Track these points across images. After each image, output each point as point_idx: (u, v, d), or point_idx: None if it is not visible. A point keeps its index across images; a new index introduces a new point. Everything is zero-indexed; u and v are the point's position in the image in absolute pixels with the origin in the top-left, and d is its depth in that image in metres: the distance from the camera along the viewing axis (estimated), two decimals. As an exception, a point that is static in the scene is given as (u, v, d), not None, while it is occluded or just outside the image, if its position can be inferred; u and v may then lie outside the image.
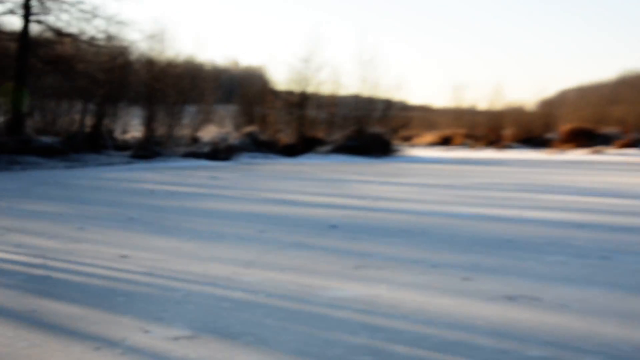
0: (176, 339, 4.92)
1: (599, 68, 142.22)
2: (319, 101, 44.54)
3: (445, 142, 65.12)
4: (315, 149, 39.89)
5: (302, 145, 39.69)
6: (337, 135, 41.32)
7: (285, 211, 12.81)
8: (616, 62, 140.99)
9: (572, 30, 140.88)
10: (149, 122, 34.40)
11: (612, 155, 44.93)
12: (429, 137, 67.75)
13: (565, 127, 56.27)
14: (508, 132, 61.87)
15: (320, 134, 42.36)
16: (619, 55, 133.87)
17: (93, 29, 29.65)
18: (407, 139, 61.30)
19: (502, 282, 6.72)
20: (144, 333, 5.05)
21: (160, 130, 34.62)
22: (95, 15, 28.97)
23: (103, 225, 10.65)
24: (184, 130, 36.33)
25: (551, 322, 5.32)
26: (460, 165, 31.71)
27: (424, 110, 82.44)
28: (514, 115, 66.81)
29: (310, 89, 42.87)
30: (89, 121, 32.43)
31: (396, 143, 43.93)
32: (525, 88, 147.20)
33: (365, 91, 45.12)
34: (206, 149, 33.93)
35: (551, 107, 70.93)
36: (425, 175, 24.46)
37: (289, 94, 43.22)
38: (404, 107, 55.44)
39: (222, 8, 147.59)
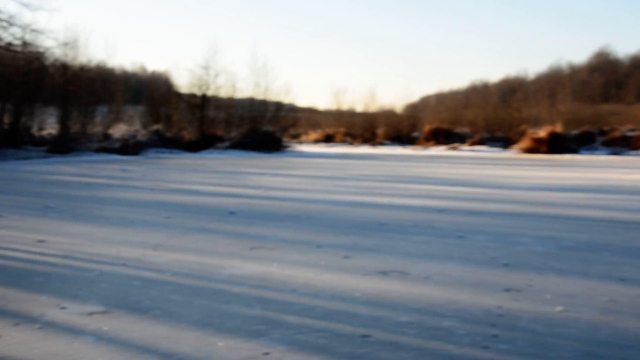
0: (90, 314, 4.80)
1: (454, 77, 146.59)
2: (218, 103, 44.21)
3: (328, 139, 65.55)
4: (215, 145, 39.55)
5: (204, 142, 39.27)
6: (234, 133, 41.11)
7: (189, 200, 12.64)
8: (467, 73, 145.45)
9: (432, 43, 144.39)
10: (64, 121, 33.21)
11: (465, 151, 46.37)
12: (314, 135, 68.02)
13: (427, 127, 57.61)
14: (381, 131, 62.82)
15: (219, 131, 42.10)
16: (470, 67, 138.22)
17: (10, 36, 28.34)
18: (295, 137, 61.41)
19: (376, 259, 6.84)
20: (60, 309, 4.90)
21: (75, 127, 33.47)
22: (11, 24, 27.67)
23: (21, 214, 10.24)
24: (96, 128, 35.28)
25: (417, 292, 5.45)
26: (341, 160, 32.03)
27: (310, 111, 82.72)
28: (386, 116, 67.91)
29: (210, 92, 42.47)
30: (7, 119, 31.04)
31: (286, 140, 44.07)
32: (395, 93, 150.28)
33: (259, 95, 45.11)
34: (117, 145, 33.10)
35: (416, 110, 72.64)
36: (311, 168, 24.60)
37: (191, 96, 42.66)
38: (292, 109, 55.53)
39: (130, 18, 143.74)
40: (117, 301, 5.15)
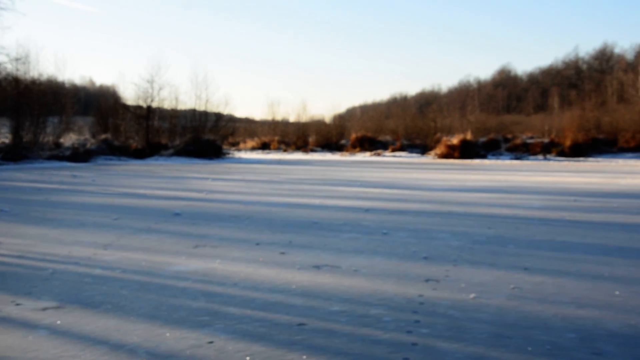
0: (44, 309, 4.64)
1: (377, 91, 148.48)
2: (162, 114, 43.71)
3: (264, 146, 65.37)
4: (160, 152, 38.98)
5: (149, 150, 38.65)
6: (178, 142, 40.60)
7: (136, 202, 12.39)
8: (388, 87, 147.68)
9: (357, 59, 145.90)
10: (16, 131, 32.11)
11: (388, 156, 46.93)
12: (252, 143, 67.75)
13: (353, 135, 58.10)
14: (312, 139, 63.00)
15: (164, 140, 41.60)
16: (391, 81, 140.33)
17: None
18: (234, 145, 61.06)
19: (310, 255, 6.84)
20: (15, 306, 4.73)
21: (27, 137, 32.41)
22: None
23: (-22, 218, 9.83)
24: (47, 138, 34.27)
25: (347, 284, 5.48)
26: (276, 165, 31.96)
27: (247, 121, 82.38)
28: (316, 126, 68.21)
29: (155, 103, 41.92)
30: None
31: (225, 148, 43.80)
32: (324, 105, 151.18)
33: (200, 106, 44.81)
34: (67, 153, 32.27)
35: (343, 120, 73.17)
36: (249, 173, 24.46)
37: (137, 107, 42.00)
38: (231, 119, 55.13)
39: (79, 34, 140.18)
40: (69, 297, 5.00)
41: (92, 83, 79.63)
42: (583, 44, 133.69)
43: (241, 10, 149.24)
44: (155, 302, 4.87)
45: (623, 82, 73.14)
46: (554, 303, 4.86)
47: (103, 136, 37.61)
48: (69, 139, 34.33)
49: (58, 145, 33.59)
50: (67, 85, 45.64)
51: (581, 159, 39.32)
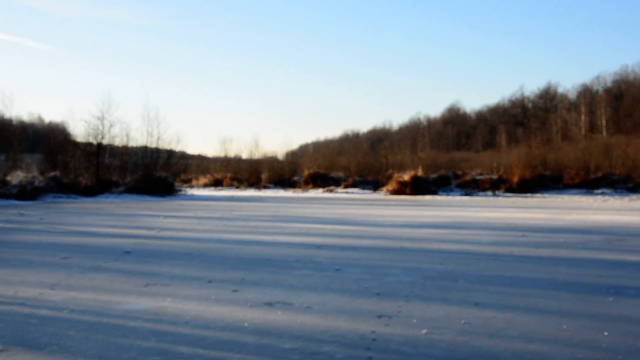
0: (-12, 354, 4.47)
1: (329, 128, 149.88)
2: (113, 151, 43.17)
3: (217, 183, 64.94)
4: (111, 190, 38.31)
5: (100, 187, 37.96)
6: (129, 179, 40.03)
7: (86, 240, 12.12)
8: (341, 124, 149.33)
9: (309, 97, 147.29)
10: (-40, 168, 31.29)
11: (340, 193, 47.16)
12: (204, 179, 67.23)
13: (306, 172, 58.27)
14: (265, 175, 62.96)
15: (114, 177, 40.98)
16: (343, 119, 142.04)
17: None
18: (186, 181, 60.54)
19: (262, 292, 6.79)
20: (-43, 351, 4.54)
21: (-28, 174, 31.57)
22: None
23: None
24: (-6, 175, 33.38)
25: (300, 321, 5.45)
26: (228, 202, 31.76)
27: (200, 158, 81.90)
28: (269, 162, 68.25)
29: (105, 140, 41.37)
30: None
31: (177, 184, 43.36)
32: (277, 142, 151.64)
33: (151, 143, 44.42)
34: (14, 191, 31.39)
35: (295, 157, 73.46)
36: (201, 209, 24.23)
37: (87, 144, 41.36)
38: (183, 156, 54.85)
39: (27, 71, 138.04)
40: (14, 339, 4.83)
41: (41, 120, 78.28)
42: (528, 83, 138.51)
43: (194, 46, 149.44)
44: (104, 343, 4.75)
45: (566, 120, 75.68)
46: (504, 338, 4.92)
47: (52, 173, 36.80)
48: (16, 177, 33.41)
49: (4, 183, 32.67)
50: (14, 122, 44.78)
51: (528, 195, 40.26)
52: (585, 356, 4.44)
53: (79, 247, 11.07)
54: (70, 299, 6.43)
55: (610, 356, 4.44)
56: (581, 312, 5.83)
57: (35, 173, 36.52)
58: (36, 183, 33.66)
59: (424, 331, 5.10)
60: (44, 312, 5.82)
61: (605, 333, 5.06)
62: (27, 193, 31.61)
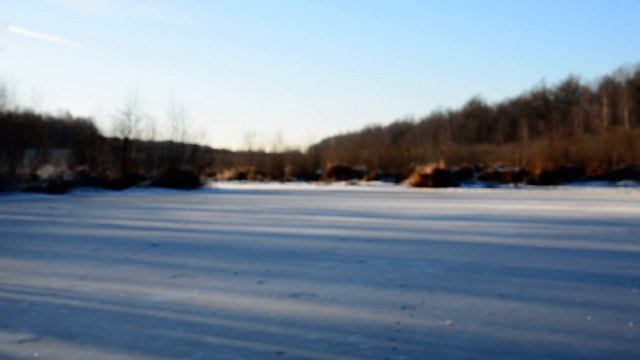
0: (21, 341, 4.55)
1: (351, 121, 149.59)
2: (139, 145, 43.57)
3: (241, 177, 65.29)
4: (138, 183, 38.72)
5: (127, 181, 38.36)
6: (155, 173, 40.41)
7: (114, 233, 12.25)
8: (363, 118, 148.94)
9: (331, 91, 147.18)
10: (-8, 162, 31.76)
11: (363, 185, 47.12)
12: (228, 173, 67.66)
13: (329, 165, 58.31)
14: (288, 169, 63.13)
15: (141, 171, 41.39)
16: (364, 112, 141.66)
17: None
18: (211, 175, 60.95)
19: (288, 284, 6.81)
20: (-7, 339, 4.62)
21: (3, 169, 31.97)
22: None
23: (-47, 250, 9.64)
24: (24, 170, 33.85)
25: (325, 312, 5.46)
26: (253, 195, 31.90)
27: (224, 152, 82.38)
28: (292, 156, 68.44)
29: (132, 135, 41.79)
30: None
31: (202, 178, 43.67)
32: (299, 136, 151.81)
33: (177, 137, 44.80)
34: (44, 185, 31.87)
35: (318, 150, 73.51)
36: (226, 203, 24.36)
37: (114, 139, 41.80)
38: (207, 150, 55.15)
39: (56, 68, 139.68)
40: (47, 329, 4.91)
41: (69, 116, 79.23)
42: (550, 75, 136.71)
43: (219, 41, 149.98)
44: (134, 333, 4.80)
45: (588, 113, 74.71)
46: (528, 329, 4.89)
47: (80, 168, 37.27)
48: (46, 171, 33.91)
49: (35, 177, 33.17)
50: (43, 118, 45.37)
51: (551, 187, 39.86)
52: (610, 347, 4.39)
53: (108, 239, 11.20)
54: (100, 290, 6.51)
55: (635, 347, 4.38)
56: (605, 303, 5.76)
57: (64, 167, 37.05)
58: (65, 177, 34.14)
59: (448, 322, 5.08)
60: (75, 302, 5.89)
61: (630, 324, 5.00)
62: (57, 187, 32.07)
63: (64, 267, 8.01)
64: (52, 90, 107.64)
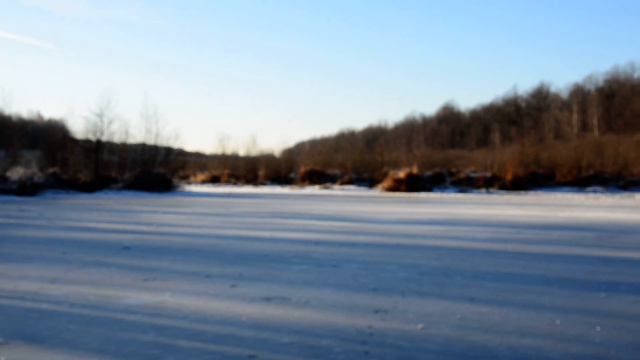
0: (-11, 347, 4.45)
1: (325, 126, 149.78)
2: (112, 147, 43.07)
3: (215, 180, 64.92)
4: (110, 186, 38.28)
5: (99, 183, 37.90)
6: (128, 175, 39.98)
7: (85, 236, 12.09)
8: (337, 122, 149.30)
9: (305, 95, 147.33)
10: (-39, 164, 31.19)
11: (336, 190, 47.16)
12: (202, 176, 67.20)
13: (302, 169, 58.26)
14: (262, 172, 62.91)
15: (113, 173, 40.93)
16: (339, 117, 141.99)
17: None
18: (184, 178, 60.56)
19: (261, 287, 6.77)
20: (-41, 344, 4.52)
21: (-28, 170, 31.46)
22: None
23: None
24: (-6, 171, 33.29)
25: (297, 316, 5.44)
26: (226, 198, 31.74)
27: (198, 155, 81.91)
28: (266, 159, 68.19)
29: (104, 137, 41.29)
30: None
31: (176, 181, 43.34)
32: (273, 140, 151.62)
33: (150, 140, 44.35)
34: (14, 186, 31.33)
35: (292, 154, 73.59)
36: (199, 206, 24.20)
37: (86, 141, 41.28)
38: (181, 153, 54.75)
39: (27, 68, 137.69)
40: (14, 333, 4.81)
41: (40, 117, 78.11)
42: (521, 82, 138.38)
43: (193, 43, 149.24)
44: (104, 336, 4.74)
45: (559, 119, 75.82)
46: (499, 332, 4.92)
47: (51, 170, 36.72)
48: (16, 173, 33.34)
49: (4, 179, 32.59)
50: (14, 119, 44.65)
51: (522, 192, 40.32)
52: (578, 351, 4.44)
53: (79, 242, 11.04)
54: (70, 293, 6.40)
55: (603, 351, 4.44)
56: (574, 308, 5.83)
57: (35, 169, 36.47)
58: (35, 179, 33.61)
59: (420, 326, 5.10)
60: (44, 306, 5.79)
61: (598, 328, 5.07)
62: (27, 189, 31.57)
63: (34, 270, 7.88)
64: (23, 90, 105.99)
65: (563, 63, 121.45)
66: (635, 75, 76.84)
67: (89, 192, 36.18)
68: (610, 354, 4.38)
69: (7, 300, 6.02)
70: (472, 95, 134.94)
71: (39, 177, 34.53)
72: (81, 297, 6.21)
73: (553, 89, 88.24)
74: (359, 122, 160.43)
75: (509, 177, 43.13)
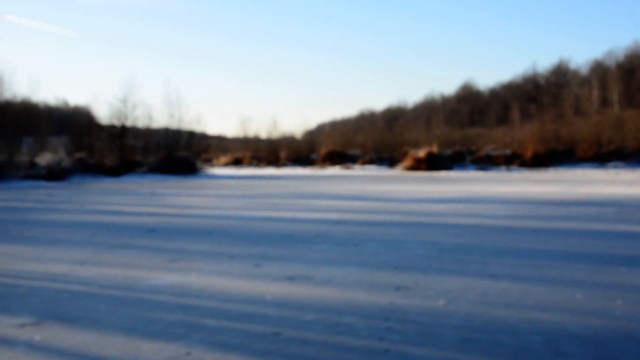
0: (22, 325, 4.55)
1: (345, 107, 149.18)
2: (136, 132, 43.40)
3: (237, 162, 65.21)
4: (135, 170, 38.65)
5: (124, 168, 38.26)
6: (152, 159, 40.32)
7: (112, 219, 12.24)
8: (356, 103, 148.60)
9: (325, 77, 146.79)
10: (-9, 151, 31.57)
11: (357, 170, 47.13)
12: (224, 159, 67.58)
13: (323, 150, 58.28)
14: (283, 154, 63.04)
15: (138, 158, 41.26)
16: (358, 98, 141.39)
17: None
18: (207, 161, 60.83)
19: (284, 267, 6.82)
20: (-7, 324, 4.62)
21: (2, 157, 31.80)
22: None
23: (-47, 237, 9.61)
24: (22, 157, 33.68)
25: (320, 294, 5.47)
26: (248, 180, 31.88)
27: (220, 138, 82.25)
28: (287, 141, 68.27)
29: (128, 122, 41.60)
30: None
31: (199, 164, 43.61)
32: (294, 121, 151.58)
33: (173, 124, 44.65)
34: (43, 172, 31.75)
35: (313, 136, 73.55)
36: (222, 188, 24.34)
37: (111, 127, 41.62)
38: (203, 136, 55.04)
39: (53, 56, 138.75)
40: (47, 313, 4.91)
41: (66, 104, 78.61)
42: (540, 59, 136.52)
43: (213, 28, 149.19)
44: (133, 316, 4.81)
45: (579, 96, 74.70)
46: (519, 308, 4.91)
47: (78, 155, 37.14)
48: (44, 159, 33.76)
49: (33, 164, 33.03)
50: (41, 106, 45.16)
51: (542, 169, 39.95)
52: (599, 324, 4.42)
53: (106, 225, 11.19)
54: (99, 274, 6.51)
55: (624, 324, 4.42)
56: (595, 282, 5.80)
57: (62, 155, 36.89)
58: (63, 164, 34.03)
59: (441, 302, 5.11)
60: (75, 287, 5.89)
61: (619, 302, 5.03)
62: (55, 174, 31.98)
63: (63, 253, 8.00)
64: (49, 78, 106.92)
65: (582, 39, 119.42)
66: (656, 49, 75.26)
67: (115, 176, 36.55)
68: (631, 326, 4.35)
69: (38, 282, 6.13)
70: (491, 73, 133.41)
71: (66, 162, 34.96)
72: (109, 278, 6.30)
73: (572, 66, 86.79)
74: (379, 102, 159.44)
75: (528, 154, 42.74)
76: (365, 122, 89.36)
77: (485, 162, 43.86)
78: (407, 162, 43.18)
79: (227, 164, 65.27)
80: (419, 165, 41.93)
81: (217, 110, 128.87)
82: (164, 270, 6.70)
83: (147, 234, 9.84)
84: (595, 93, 72.84)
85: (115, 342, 4.14)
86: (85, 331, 4.41)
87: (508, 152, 44.74)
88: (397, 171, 42.63)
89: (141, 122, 43.44)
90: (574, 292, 5.41)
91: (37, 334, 4.33)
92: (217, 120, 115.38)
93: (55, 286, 5.94)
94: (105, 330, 4.41)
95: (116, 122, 41.31)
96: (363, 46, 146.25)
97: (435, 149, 43.94)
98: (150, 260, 7.42)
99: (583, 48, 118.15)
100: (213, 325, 4.54)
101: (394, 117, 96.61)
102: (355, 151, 57.43)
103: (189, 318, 4.73)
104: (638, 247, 7.88)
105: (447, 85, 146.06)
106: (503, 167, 42.00)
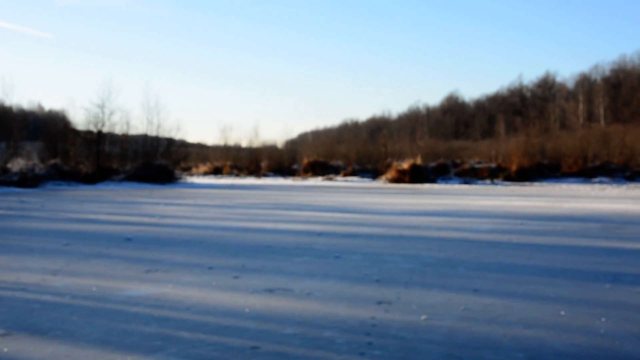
0: (-9, 338, 4.49)
1: (328, 117, 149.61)
2: (113, 139, 43.04)
3: (217, 171, 64.93)
4: (111, 177, 38.31)
5: (100, 175, 37.92)
6: (129, 166, 40.01)
7: (87, 228, 12.13)
8: (340, 113, 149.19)
9: (308, 86, 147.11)
10: (-39, 155, 31.21)
11: (339, 181, 47.17)
12: (204, 167, 67.24)
13: (305, 160, 58.26)
14: (264, 163, 62.88)
15: (115, 165, 40.90)
16: (342, 108, 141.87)
17: None
18: (186, 169, 60.56)
19: (263, 279, 6.80)
20: (-39, 336, 4.55)
21: (-29, 162, 31.47)
22: None
23: None
24: (-6, 163, 33.28)
25: (300, 307, 5.46)
26: (228, 190, 31.76)
27: (199, 146, 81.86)
28: (269, 151, 68.14)
29: (105, 128, 41.25)
30: None
31: (178, 172, 43.34)
32: (276, 131, 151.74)
33: (151, 131, 44.34)
34: (15, 178, 31.38)
35: (295, 145, 73.54)
36: (201, 197, 24.23)
37: (88, 132, 41.23)
38: (183, 144, 54.78)
39: (28, 59, 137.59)
40: (17, 324, 4.85)
41: (41, 108, 78.04)
42: (527, 72, 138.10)
43: (194, 35, 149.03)
44: (107, 328, 4.77)
45: (565, 109, 75.59)
46: (502, 324, 4.94)
47: (52, 161, 36.74)
48: (17, 165, 33.37)
49: (5, 170, 32.63)
50: (14, 110, 44.66)
51: (527, 183, 40.28)
52: (583, 342, 4.46)
53: (80, 234, 11.08)
54: (72, 285, 6.44)
55: (608, 341, 4.46)
56: (579, 299, 5.85)
57: (36, 161, 36.50)
58: (37, 171, 33.65)
59: (423, 317, 5.12)
60: (47, 297, 5.83)
61: (603, 319, 5.08)
62: (28, 180, 31.61)
63: (35, 262, 7.91)
64: (24, 81, 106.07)
65: (569, 52, 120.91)
66: (642, 64, 76.41)
67: (91, 183, 36.22)
68: (615, 344, 4.40)
69: (9, 292, 6.05)
70: (476, 85, 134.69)
71: (40, 168, 34.58)
72: (83, 288, 6.24)
73: (559, 79, 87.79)
74: (362, 113, 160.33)
75: (513, 167, 43.09)
76: (348, 132, 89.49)
77: (470, 175, 44.15)
78: (391, 173, 43.32)
79: (206, 173, 64.97)
80: (402, 177, 42.08)
81: (197, 118, 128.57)
82: (139, 281, 6.65)
83: (122, 244, 9.76)
84: (581, 107, 73.76)
85: (88, 354, 4.09)
86: (57, 343, 4.36)
87: (493, 165, 45.09)
88: (380, 183, 42.74)
89: (118, 129, 43.14)
90: (558, 308, 5.46)
91: (6, 346, 4.27)
92: (197, 128, 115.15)
93: (26, 296, 5.87)
94: (77, 342, 4.36)
95: (93, 128, 40.96)
96: (347, 56, 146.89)
97: (419, 160, 44.12)
98: (126, 270, 7.36)
99: (569, 61, 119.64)
100: (189, 338, 4.51)
101: (377, 127, 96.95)
102: (338, 162, 57.47)
103: (164, 330, 4.70)
104: (623, 263, 7.98)
105: (432, 97, 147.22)
106: (488, 181, 42.30)
